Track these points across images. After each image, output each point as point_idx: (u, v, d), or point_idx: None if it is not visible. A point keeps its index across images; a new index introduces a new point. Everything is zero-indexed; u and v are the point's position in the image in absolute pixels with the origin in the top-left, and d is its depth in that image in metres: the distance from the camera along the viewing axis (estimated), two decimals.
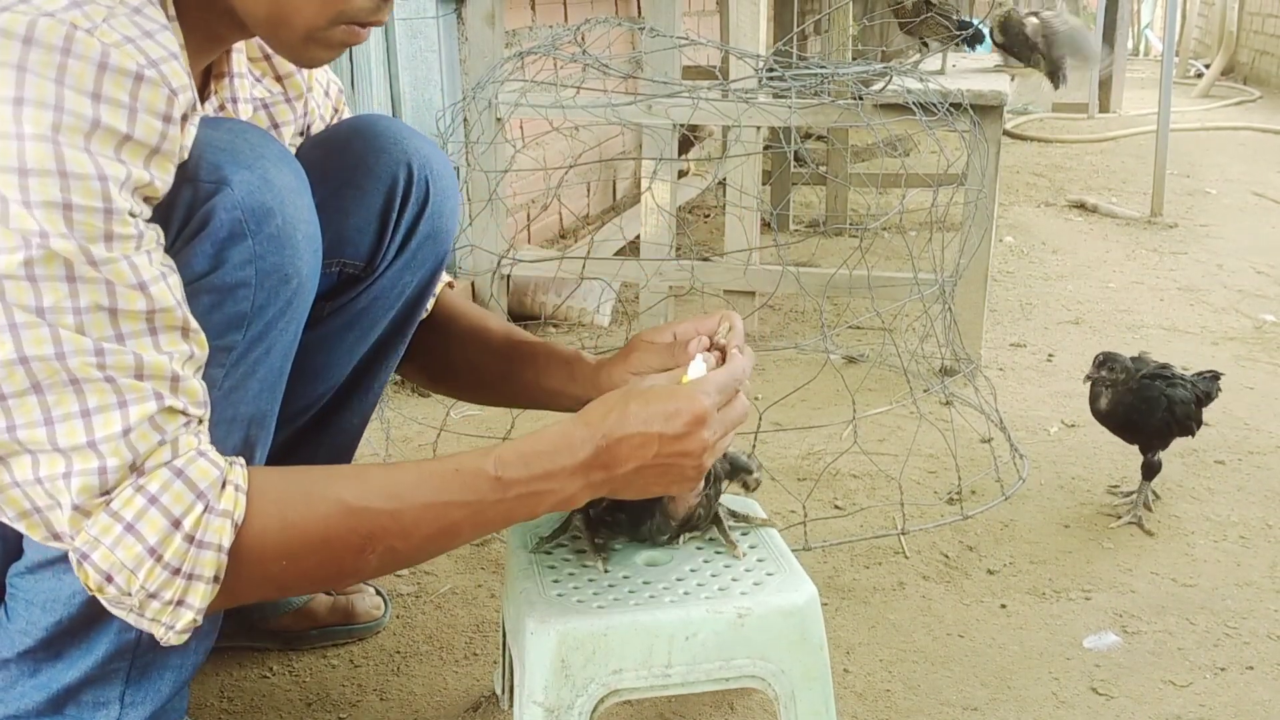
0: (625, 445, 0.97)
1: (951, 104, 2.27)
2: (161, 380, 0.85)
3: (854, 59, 3.40)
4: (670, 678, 1.06)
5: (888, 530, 1.83)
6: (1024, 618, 1.59)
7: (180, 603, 0.86)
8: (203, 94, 1.08)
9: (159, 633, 0.88)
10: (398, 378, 2.41)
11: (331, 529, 0.91)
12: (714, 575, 1.13)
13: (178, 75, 0.87)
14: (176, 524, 0.84)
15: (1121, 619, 1.58)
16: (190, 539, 0.85)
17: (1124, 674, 1.46)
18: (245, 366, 0.96)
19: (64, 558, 0.95)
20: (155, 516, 0.83)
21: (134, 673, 1.01)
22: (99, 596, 0.87)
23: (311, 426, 1.29)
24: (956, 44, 3.07)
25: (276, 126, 1.23)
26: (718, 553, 1.18)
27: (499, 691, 1.38)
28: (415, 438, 2.17)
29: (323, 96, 1.30)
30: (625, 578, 1.13)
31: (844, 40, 3.33)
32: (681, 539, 1.19)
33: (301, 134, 1.28)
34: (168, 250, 0.91)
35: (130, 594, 0.85)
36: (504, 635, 1.28)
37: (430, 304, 1.36)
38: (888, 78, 2.29)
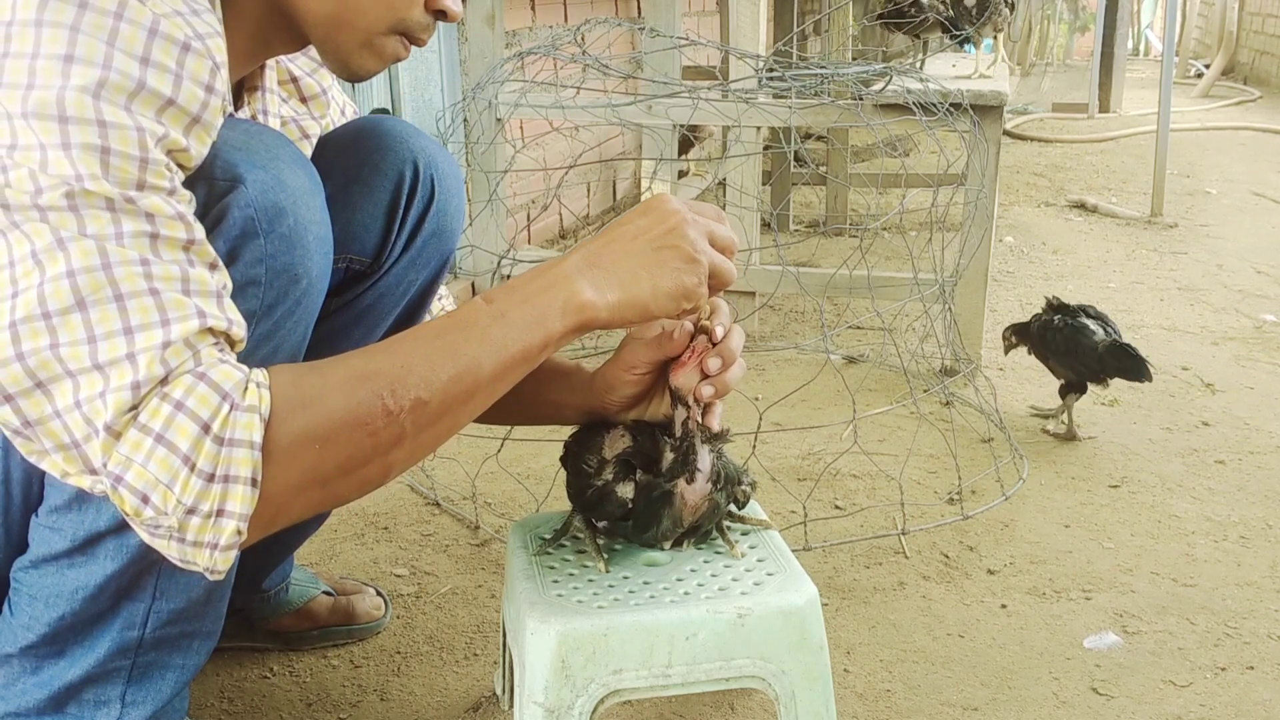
0: (611, 249, 1.00)
1: (951, 104, 2.27)
2: (207, 296, 0.85)
3: (854, 59, 3.40)
4: (670, 678, 1.06)
5: (888, 530, 1.83)
6: (1024, 618, 1.59)
7: (220, 513, 0.83)
8: (236, 104, 1.10)
9: (203, 560, 0.85)
10: None
11: (352, 396, 0.88)
12: (714, 575, 1.13)
13: (221, 51, 0.89)
14: (206, 427, 0.82)
15: (1122, 619, 1.58)
16: (220, 440, 0.82)
17: (1124, 674, 1.46)
18: (252, 364, 0.97)
19: (68, 552, 0.96)
20: (184, 422, 0.81)
21: (135, 672, 1.01)
22: (135, 522, 0.84)
23: None
24: (955, 43, 3.07)
25: (307, 137, 1.26)
26: (718, 553, 1.18)
27: (499, 692, 1.39)
28: None
29: (339, 116, 1.32)
30: (625, 578, 1.13)
31: (844, 40, 3.33)
32: (685, 544, 1.18)
33: None
34: None
35: (167, 512, 0.82)
36: (504, 635, 1.28)
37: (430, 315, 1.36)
38: (888, 78, 2.29)
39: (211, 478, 0.82)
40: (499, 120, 2.63)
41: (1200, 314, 3.11)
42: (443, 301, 1.40)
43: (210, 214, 0.92)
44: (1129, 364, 2.18)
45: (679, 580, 1.12)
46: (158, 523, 0.83)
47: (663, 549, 1.17)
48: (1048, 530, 1.85)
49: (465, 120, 2.68)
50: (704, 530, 1.18)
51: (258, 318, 0.95)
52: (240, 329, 0.88)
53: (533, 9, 3.47)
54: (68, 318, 0.80)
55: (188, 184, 0.89)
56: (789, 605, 1.09)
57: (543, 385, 1.26)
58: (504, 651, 1.32)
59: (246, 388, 0.84)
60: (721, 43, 4.36)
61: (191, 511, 0.83)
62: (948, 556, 1.76)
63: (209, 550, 0.85)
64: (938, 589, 1.66)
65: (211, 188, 0.92)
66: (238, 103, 1.11)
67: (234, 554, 0.86)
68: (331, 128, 1.30)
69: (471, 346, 0.94)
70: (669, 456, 1.12)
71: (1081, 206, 4.54)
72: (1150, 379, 2.17)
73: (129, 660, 1.00)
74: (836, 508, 1.91)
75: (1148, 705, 1.40)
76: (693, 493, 1.12)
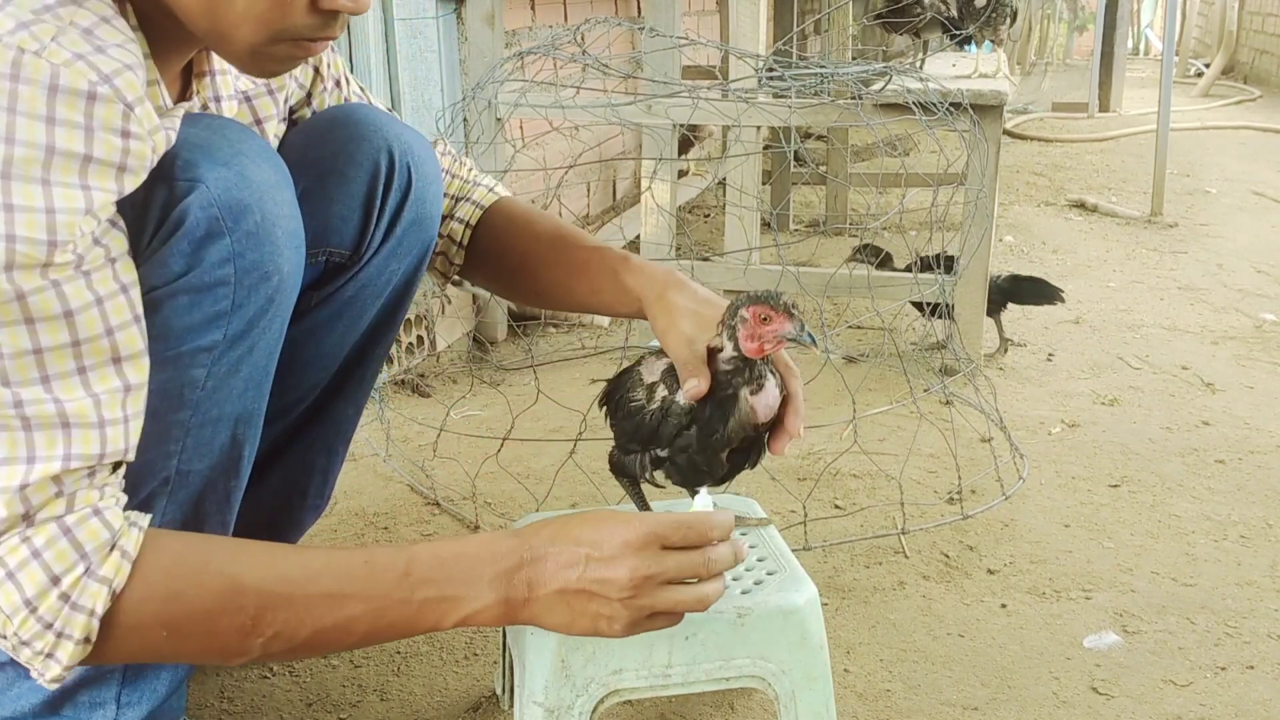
0: (551, 562, 0.93)
1: (951, 104, 2.27)
2: (86, 428, 0.84)
3: (854, 59, 3.40)
4: (670, 678, 1.06)
5: (888, 530, 1.83)
6: (1024, 617, 1.59)
7: (50, 655, 0.86)
8: (185, 93, 1.06)
9: (34, 674, 0.88)
10: (396, 377, 2.41)
11: (217, 608, 0.88)
12: None
13: (132, 88, 0.84)
14: (55, 581, 0.84)
15: (1122, 619, 1.58)
16: (65, 598, 0.84)
17: (1124, 674, 1.46)
18: (227, 365, 0.96)
19: None
20: (36, 570, 0.83)
21: (130, 672, 1.01)
22: None
23: (304, 420, 1.29)
24: (956, 43, 3.07)
25: (259, 122, 1.20)
26: None
27: (499, 692, 1.38)
28: (415, 438, 2.16)
29: (334, 87, 1.29)
30: None
31: (844, 40, 3.33)
32: (746, 465, 1.17)
33: (286, 120, 1.25)
34: (143, 251, 0.90)
35: (5, 636, 0.86)
36: (504, 635, 1.28)
37: (467, 230, 1.34)
38: (888, 78, 2.29)
39: (49, 627, 0.85)
40: (499, 120, 2.63)
41: (1200, 313, 3.11)
42: (499, 195, 1.36)
43: (172, 217, 0.90)
44: (1037, 288, 2.59)
45: None
46: None
47: (723, 465, 1.15)
48: (1048, 530, 1.85)
49: (465, 120, 2.68)
50: (754, 460, 1.17)
51: (228, 318, 0.94)
52: (115, 454, 0.86)
53: (533, 9, 3.47)
54: None
55: (147, 186, 0.87)
56: (789, 605, 1.09)
57: (593, 285, 1.26)
58: (504, 651, 1.32)
59: (110, 553, 0.85)
60: (721, 42, 4.36)
61: (25, 644, 0.85)
62: (948, 556, 1.76)
63: (37, 673, 0.87)
64: (938, 589, 1.66)
65: (172, 189, 0.90)
66: (186, 92, 1.07)
67: (60, 683, 0.88)
68: (323, 93, 1.27)
69: (359, 609, 0.92)
70: (725, 368, 1.12)
71: (1081, 206, 4.54)
72: (1062, 300, 2.63)
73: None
74: (836, 507, 1.91)
75: (1148, 705, 1.39)
76: (761, 400, 1.12)
